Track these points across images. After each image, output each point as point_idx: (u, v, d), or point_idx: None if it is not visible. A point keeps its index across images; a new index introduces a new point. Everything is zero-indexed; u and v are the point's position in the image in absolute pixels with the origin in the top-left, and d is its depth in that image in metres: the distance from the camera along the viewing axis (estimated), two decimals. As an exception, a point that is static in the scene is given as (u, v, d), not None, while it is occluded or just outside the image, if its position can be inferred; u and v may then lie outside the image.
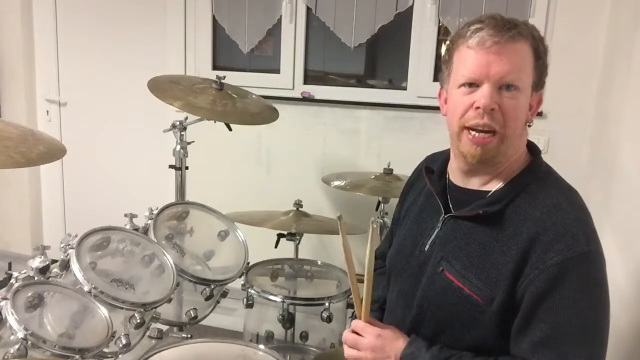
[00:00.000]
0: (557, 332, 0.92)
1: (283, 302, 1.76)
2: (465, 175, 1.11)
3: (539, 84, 1.04)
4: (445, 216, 1.11)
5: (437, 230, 1.11)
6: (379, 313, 1.27)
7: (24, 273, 1.30)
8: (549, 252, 0.93)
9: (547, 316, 0.93)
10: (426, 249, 1.12)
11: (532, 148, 1.11)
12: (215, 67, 2.87)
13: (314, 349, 1.95)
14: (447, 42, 1.08)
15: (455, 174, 1.14)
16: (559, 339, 0.92)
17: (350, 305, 1.86)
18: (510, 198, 1.02)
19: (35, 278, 1.30)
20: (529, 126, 1.07)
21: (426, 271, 1.10)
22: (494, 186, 1.06)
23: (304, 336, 1.86)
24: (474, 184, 1.09)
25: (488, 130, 1.00)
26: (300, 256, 2.19)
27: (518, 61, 0.99)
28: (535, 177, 1.05)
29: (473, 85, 1.01)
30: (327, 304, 1.76)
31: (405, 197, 1.31)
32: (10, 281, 1.26)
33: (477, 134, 1.01)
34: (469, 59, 1.01)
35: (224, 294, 1.75)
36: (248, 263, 1.79)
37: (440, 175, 1.18)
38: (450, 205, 1.12)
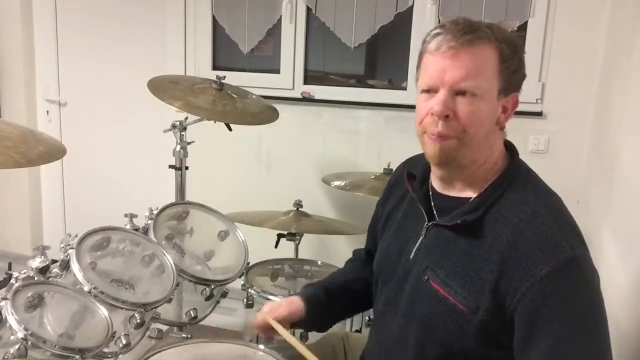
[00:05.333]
0: (562, 344, 0.90)
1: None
2: (443, 182, 1.10)
3: (508, 87, 1.01)
4: (429, 224, 1.09)
5: (421, 238, 1.10)
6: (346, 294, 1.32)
7: (24, 273, 1.30)
8: (535, 263, 0.91)
9: (548, 329, 0.90)
10: (411, 257, 1.11)
11: (510, 149, 1.09)
12: (215, 67, 2.87)
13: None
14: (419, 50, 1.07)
15: (436, 180, 1.13)
16: (566, 349, 0.90)
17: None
18: (488, 205, 1.01)
19: (35, 278, 1.30)
20: (501, 129, 1.06)
21: (411, 279, 1.09)
22: (474, 192, 1.05)
23: (304, 336, 1.86)
24: (452, 191, 1.09)
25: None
26: (300, 256, 2.19)
27: (475, 66, 0.97)
28: (513, 180, 1.03)
29: (431, 91, 1.00)
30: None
31: (385, 201, 1.29)
32: (10, 281, 1.26)
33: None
34: (428, 65, 1.01)
35: (224, 294, 1.74)
36: (248, 263, 1.79)
37: (423, 181, 1.16)
38: (435, 213, 1.11)
